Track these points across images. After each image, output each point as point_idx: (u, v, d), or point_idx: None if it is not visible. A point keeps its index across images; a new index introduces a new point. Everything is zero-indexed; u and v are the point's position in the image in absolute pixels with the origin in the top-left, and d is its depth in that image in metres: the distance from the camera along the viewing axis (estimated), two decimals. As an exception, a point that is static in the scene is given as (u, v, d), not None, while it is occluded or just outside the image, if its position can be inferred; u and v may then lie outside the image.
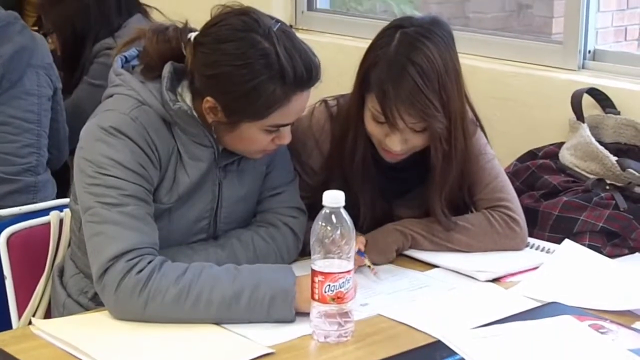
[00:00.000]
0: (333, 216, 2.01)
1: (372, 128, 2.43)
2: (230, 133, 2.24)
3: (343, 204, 2.02)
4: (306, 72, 2.19)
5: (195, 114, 2.24)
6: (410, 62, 2.33)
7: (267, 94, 2.16)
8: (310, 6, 4.15)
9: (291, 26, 2.29)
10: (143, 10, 3.74)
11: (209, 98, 2.20)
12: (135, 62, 2.33)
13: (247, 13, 2.22)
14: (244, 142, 2.26)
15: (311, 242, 2.03)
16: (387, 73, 2.34)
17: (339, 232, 2.00)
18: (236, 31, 2.18)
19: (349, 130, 2.48)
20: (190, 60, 2.22)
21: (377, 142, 2.46)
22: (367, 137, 2.47)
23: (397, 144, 2.41)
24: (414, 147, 2.44)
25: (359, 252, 2.37)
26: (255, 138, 2.24)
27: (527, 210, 2.64)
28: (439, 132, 2.39)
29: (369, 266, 2.39)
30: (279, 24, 2.22)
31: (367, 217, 2.52)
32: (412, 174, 2.55)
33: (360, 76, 2.42)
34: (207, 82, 2.20)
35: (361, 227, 2.49)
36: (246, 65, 2.15)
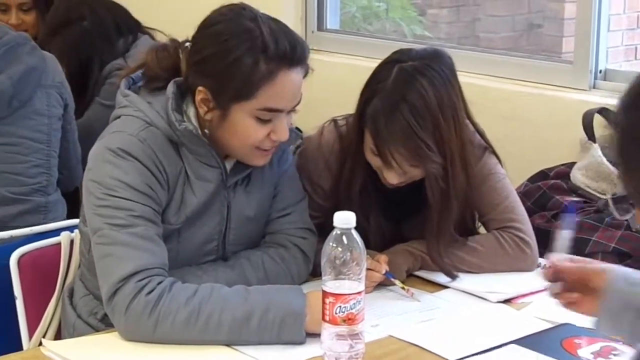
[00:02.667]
0: (344, 237, 2.00)
1: (371, 159, 2.42)
2: (224, 125, 2.22)
3: (354, 225, 2.01)
4: (290, 48, 2.19)
5: (200, 132, 2.24)
6: (403, 101, 2.31)
7: (249, 68, 2.15)
8: (321, 26, 4.16)
9: (301, 46, 2.28)
10: (149, 34, 3.80)
11: (200, 88, 2.21)
12: (141, 83, 2.33)
13: (236, 4, 2.26)
14: (238, 134, 2.22)
15: (322, 263, 2.02)
16: (380, 111, 2.33)
17: (349, 253, 1.99)
18: (222, 16, 2.22)
19: (347, 160, 2.47)
20: (185, 62, 2.24)
21: (378, 171, 2.45)
22: (366, 165, 2.45)
23: (393, 177, 2.40)
24: (413, 177, 2.42)
25: (386, 274, 2.37)
26: (247, 127, 2.21)
27: (538, 230, 2.62)
28: (434, 172, 2.38)
29: (402, 287, 2.39)
30: (267, 14, 2.24)
31: (376, 241, 2.51)
32: (417, 196, 2.52)
33: (359, 109, 2.41)
34: (195, 70, 2.22)
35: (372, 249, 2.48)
36: (228, 41, 2.17)
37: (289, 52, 2.18)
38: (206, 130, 2.24)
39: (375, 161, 2.41)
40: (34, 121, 3.14)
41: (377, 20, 5.63)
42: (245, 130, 2.22)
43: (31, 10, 4.02)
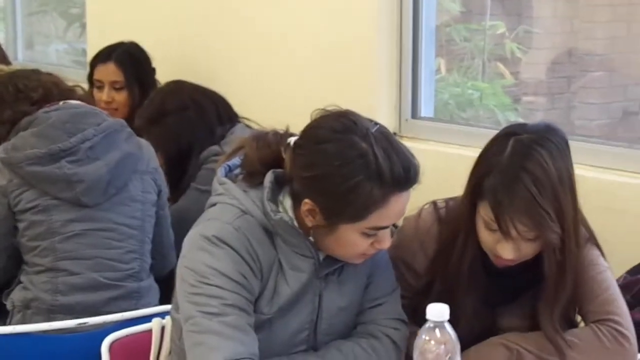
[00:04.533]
0: (437, 330, 1.97)
1: (484, 235, 2.39)
2: (329, 236, 2.22)
3: (447, 317, 1.98)
4: (404, 173, 2.17)
5: (296, 224, 2.23)
6: (524, 171, 2.30)
7: (364, 195, 2.14)
8: (415, 114, 4.16)
9: (395, 134, 2.28)
10: (244, 123, 3.84)
11: (307, 200, 2.20)
12: (238, 171, 2.34)
13: (345, 115, 2.23)
14: (343, 246, 2.24)
15: (414, 356, 1.99)
16: (501, 182, 2.31)
17: (443, 346, 1.96)
18: (334, 132, 2.19)
19: (458, 236, 2.45)
20: (289, 164, 2.23)
21: (489, 249, 2.41)
22: (477, 243, 2.43)
23: (509, 251, 2.36)
24: (526, 255, 2.39)
25: None
26: (354, 241, 2.22)
27: (638, 325, 2.55)
28: (553, 242, 2.34)
29: None
30: (377, 126, 2.22)
31: (466, 328, 2.46)
32: (522, 280, 2.49)
33: (472, 184, 2.39)
34: (305, 183, 2.20)
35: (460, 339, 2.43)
36: (344, 166, 2.15)
37: (403, 177, 2.17)
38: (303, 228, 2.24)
39: (489, 238, 2.38)
40: (128, 207, 3.16)
41: (470, 107, 5.62)
42: (350, 243, 2.22)
43: (122, 89, 4.33)
